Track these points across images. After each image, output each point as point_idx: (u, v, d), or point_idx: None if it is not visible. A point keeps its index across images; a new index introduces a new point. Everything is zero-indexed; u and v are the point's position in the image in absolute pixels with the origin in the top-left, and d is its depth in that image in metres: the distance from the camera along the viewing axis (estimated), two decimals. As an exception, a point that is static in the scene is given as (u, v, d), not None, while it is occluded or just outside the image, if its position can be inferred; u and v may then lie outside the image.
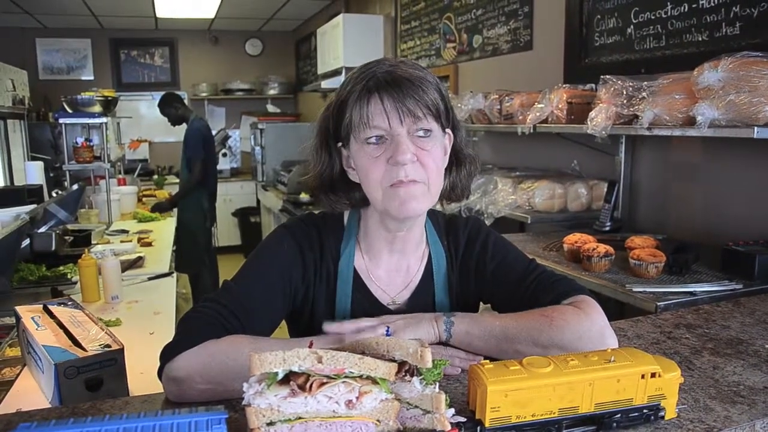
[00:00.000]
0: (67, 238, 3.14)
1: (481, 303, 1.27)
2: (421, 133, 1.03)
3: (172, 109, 4.92)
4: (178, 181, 6.54)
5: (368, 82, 1.02)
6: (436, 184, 1.07)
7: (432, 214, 1.25)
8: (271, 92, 8.27)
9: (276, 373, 0.69)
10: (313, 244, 1.16)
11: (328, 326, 1.04)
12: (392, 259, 1.19)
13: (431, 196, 1.07)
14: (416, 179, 1.03)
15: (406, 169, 1.01)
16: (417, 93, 1.00)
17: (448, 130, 1.11)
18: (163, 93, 5.05)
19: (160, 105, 4.96)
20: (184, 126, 4.90)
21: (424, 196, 1.05)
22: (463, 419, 0.80)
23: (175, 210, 4.81)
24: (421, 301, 1.19)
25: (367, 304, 1.16)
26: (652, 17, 2.43)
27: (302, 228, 1.18)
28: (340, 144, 1.10)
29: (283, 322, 1.21)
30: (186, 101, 7.87)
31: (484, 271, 1.20)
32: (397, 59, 1.07)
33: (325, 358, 0.69)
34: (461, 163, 1.17)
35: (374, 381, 0.72)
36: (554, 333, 1.01)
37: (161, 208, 4.56)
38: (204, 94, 8.06)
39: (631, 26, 2.54)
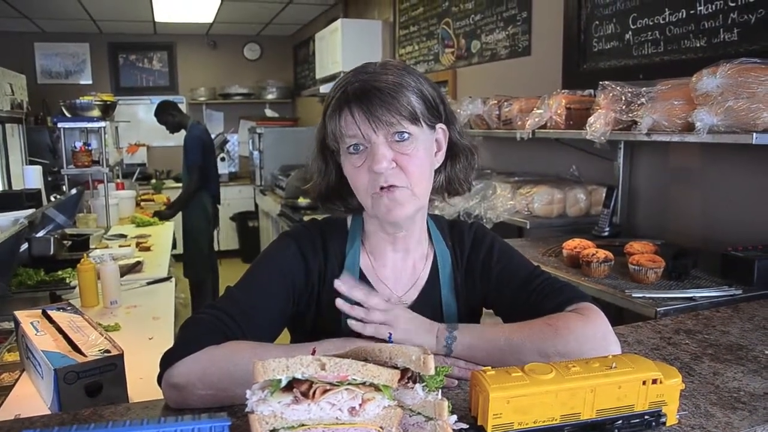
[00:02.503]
0: (65, 242, 3.14)
1: (483, 309, 1.27)
2: (397, 137, 1.03)
3: (169, 116, 4.86)
4: (176, 185, 6.56)
5: (341, 96, 1.03)
6: (421, 186, 1.07)
7: (434, 216, 1.26)
8: (270, 97, 8.28)
9: (279, 380, 0.69)
10: (316, 249, 1.17)
11: (339, 284, 1.05)
12: (397, 258, 1.19)
13: (417, 199, 1.08)
14: (397, 184, 1.04)
15: (386, 177, 1.03)
16: (387, 101, 1.00)
17: (441, 126, 1.11)
18: (158, 101, 4.99)
19: (156, 114, 4.91)
20: (183, 132, 4.88)
21: (408, 200, 1.06)
22: (465, 426, 0.80)
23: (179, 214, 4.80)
24: (428, 301, 1.19)
25: None
26: (651, 23, 2.44)
27: (305, 234, 1.18)
28: (334, 152, 1.12)
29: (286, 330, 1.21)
30: (184, 105, 7.93)
31: (489, 274, 1.20)
32: (383, 63, 1.07)
33: (328, 365, 0.69)
34: (456, 156, 1.18)
35: (377, 388, 0.72)
36: (559, 342, 1.00)
37: (163, 216, 4.54)
38: (202, 99, 8.06)
39: (630, 32, 2.55)
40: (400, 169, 1.03)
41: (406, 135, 1.03)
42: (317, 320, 1.17)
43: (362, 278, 1.18)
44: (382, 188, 1.04)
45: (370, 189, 1.05)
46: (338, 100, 1.04)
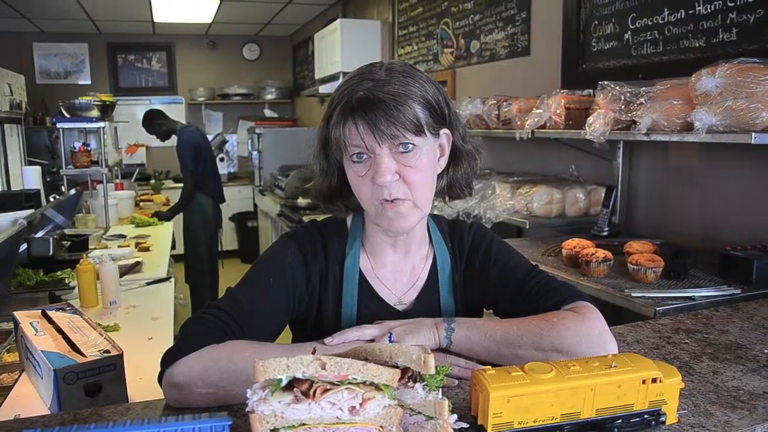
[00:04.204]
0: (64, 243, 3.14)
1: (483, 311, 1.27)
2: (402, 148, 1.02)
3: (156, 126, 4.81)
4: (175, 185, 6.54)
5: (345, 105, 1.03)
6: (424, 197, 1.08)
7: (435, 216, 1.27)
8: (269, 97, 8.28)
9: (280, 380, 0.69)
10: (317, 250, 1.17)
11: (330, 340, 1.04)
12: (397, 259, 1.20)
13: (419, 210, 1.08)
14: (400, 197, 1.04)
15: (390, 189, 1.03)
16: (391, 113, 0.99)
17: (445, 131, 1.11)
18: (144, 112, 4.91)
19: (144, 125, 4.85)
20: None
21: (410, 212, 1.06)
22: (465, 425, 0.80)
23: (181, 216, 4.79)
24: (427, 302, 1.20)
25: (373, 305, 1.17)
26: (650, 23, 2.45)
27: (306, 235, 1.19)
28: (337, 155, 1.11)
29: (287, 329, 1.21)
30: (183, 106, 7.92)
31: (487, 274, 1.20)
32: (388, 67, 1.06)
33: (328, 365, 0.69)
34: (459, 160, 1.18)
35: (377, 387, 0.72)
36: (555, 337, 1.01)
37: (161, 217, 4.52)
38: (201, 99, 8.06)
39: (629, 32, 2.55)
40: (404, 181, 1.04)
41: (410, 146, 1.03)
42: (319, 322, 1.17)
43: (361, 279, 1.18)
44: (385, 200, 1.04)
45: (373, 199, 1.06)
46: (342, 108, 1.03)
